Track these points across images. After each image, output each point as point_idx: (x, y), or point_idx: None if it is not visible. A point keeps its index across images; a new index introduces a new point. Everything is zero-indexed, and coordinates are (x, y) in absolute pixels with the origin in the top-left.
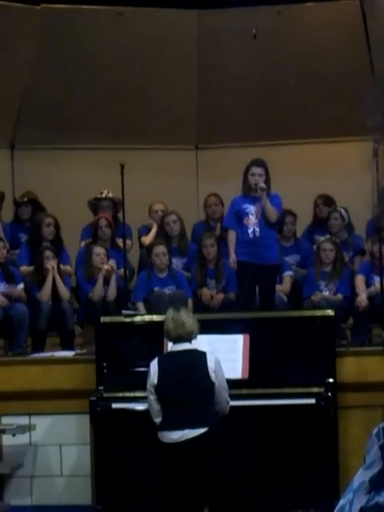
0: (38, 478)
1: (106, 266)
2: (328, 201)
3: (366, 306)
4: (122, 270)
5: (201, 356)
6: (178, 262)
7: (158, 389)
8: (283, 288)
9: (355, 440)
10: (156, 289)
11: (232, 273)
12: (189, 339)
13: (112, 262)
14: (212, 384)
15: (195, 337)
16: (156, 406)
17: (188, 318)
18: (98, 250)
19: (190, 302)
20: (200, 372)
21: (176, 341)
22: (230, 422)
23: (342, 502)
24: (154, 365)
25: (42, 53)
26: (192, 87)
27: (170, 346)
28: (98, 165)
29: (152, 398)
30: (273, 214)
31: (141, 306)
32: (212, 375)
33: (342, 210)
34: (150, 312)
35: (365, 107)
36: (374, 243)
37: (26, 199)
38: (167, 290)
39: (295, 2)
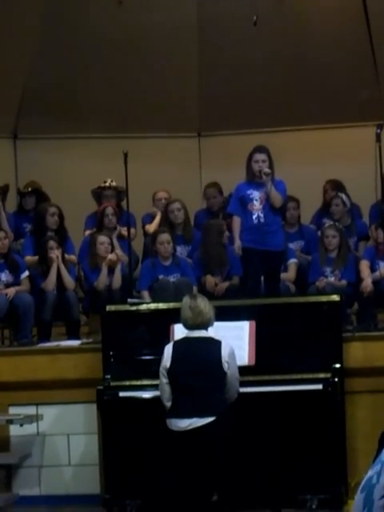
0: (46, 468)
1: (110, 256)
2: (336, 186)
3: (370, 290)
4: (126, 258)
5: (216, 344)
6: (182, 250)
7: (170, 373)
8: (288, 276)
9: (362, 425)
10: (161, 277)
11: (236, 258)
12: (205, 326)
13: (118, 251)
14: (224, 374)
15: (212, 324)
16: (168, 390)
17: (205, 306)
18: (102, 239)
19: (194, 289)
20: (213, 361)
21: (192, 328)
22: (237, 410)
23: (370, 473)
24: (168, 348)
25: (43, 42)
26: (194, 74)
27: (187, 333)
28: (101, 153)
29: (164, 381)
30: (277, 199)
31: (146, 294)
32: (225, 365)
33: (344, 196)
34: (155, 300)
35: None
36: (378, 228)
37: (29, 189)
38: (172, 278)
39: None
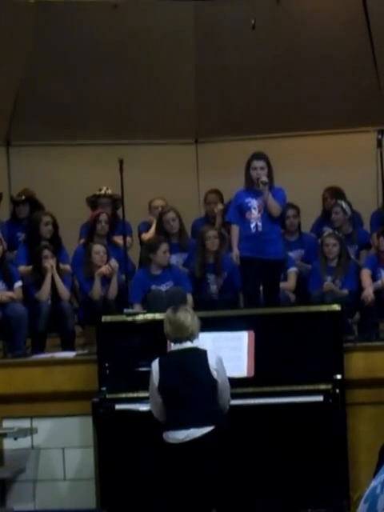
0: (40, 483)
1: (102, 269)
2: (336, 193)
3: (372, 300)
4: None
5: (202, 354)
6: (178, 259)
7: (161, 390)
8: (288, 285)
9: (364, 437)
10: (153, 287)
11: (234, 268)
12: (189, 338)
13: (113, 262)
14: (214, 382)
15: (196, 336)
16: (163, 409)
17: (186, 319)
18: (98, 248)
19: (189, 297)
20: (202, 370)
21: (176, 341)
22: (236, 421)
23: (374, 483)
24: (155, 366)
25: (36, 47)
26: (190, 80)
27: (171, 346)
28: (96, 161)
29: (159, 401)
30: (275, 208)
31: (138, 306)
32: (214, 373)
33: (344, 204)
34: (149, 311)
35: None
36: (380, 236)
37: (23, 197)
38: (164, 287)
39: None
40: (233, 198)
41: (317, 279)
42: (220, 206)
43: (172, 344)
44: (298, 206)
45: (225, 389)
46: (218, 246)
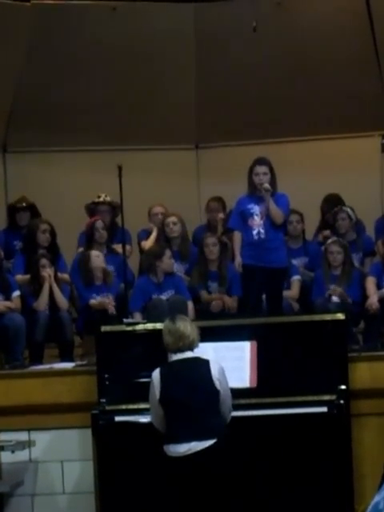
0: (39, 497)
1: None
2: (333, 201)
3: (377, 308)
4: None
5: (204, 364)
6: (179, 267)
7: (163, 401)
8: (292, 294)
9: (370, 449)
10: (154, 296)
11: (235, 276)
12: (190, 347)
13: (110, 300)
14: (217, 392)
15: (197, 345)
16: (164, 420)
17: (186, 328)
18: (96, 252)
19: (190, 305)
20: (204, 381)
21: (176, 351)
22: (238, 433)
23: (377, 499)
24: (155, 377)
25: (33, 51)
26: (190, 83)
27: (172, 356)
28: (94, 167)
29: (160, 413)
30: (278, 215)
31: (138, 315)
32: (216, 383)
33: (349, 210)
34: (149, 320)
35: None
36: None
37: (24, 204)
38: (165, 295)
39: None
40: (235, 205)
41: (320, 287)
42: (221, 215)
43: (172, 355)
44: (301, 212)
45: (226, 399)
46: (217, 254)
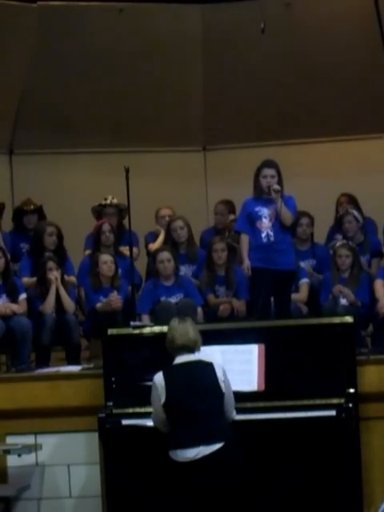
0: (45, 500)
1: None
2: (351, 200)
3: None
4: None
5: (208, 366)
6: (186, 270)
7: (167, 406)
8: (300, 297)
9: (379, 452)
10: (162, 299)
11: (242, 280)
12: (192, 350)
13: (115, 295)
14: (222, 395)
15: (198, 349)
16: (166, 425)
17: (193, 330)
18: (105, 258)
19: (199, 310)
20: (211, 383)
21: (179, 351)
22: (246, 437)
23: (383, 507)
24: (159, 381)
25: (39, 52)
26: (198, 85)
27: (175, 358)
28: (101, 169)
29: (163, 416)
30: (288, 217)
31: (146, 318)
32: (222, 385)
33: (355, 212)
34: (157, 323)
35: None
36: None
37: (32, 207)
38: (174, 299)
39: None
40: (241, 207)
41: (328, 290)
42: (232, 217)
43: (176, 356)
44: (312, 216)
45: (230, 400)
46: (225, 259)
